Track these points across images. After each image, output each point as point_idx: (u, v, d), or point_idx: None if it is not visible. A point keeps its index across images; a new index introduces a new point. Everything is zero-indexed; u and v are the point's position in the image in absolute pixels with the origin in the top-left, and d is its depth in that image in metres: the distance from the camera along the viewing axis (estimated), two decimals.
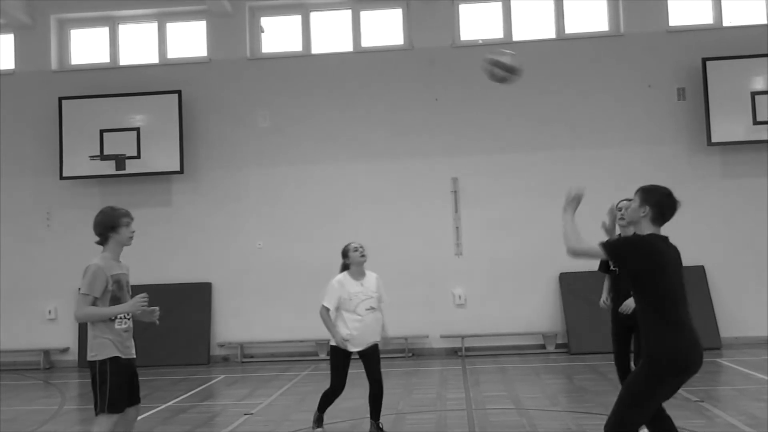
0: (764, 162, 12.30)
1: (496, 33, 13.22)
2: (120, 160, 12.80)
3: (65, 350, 12.91)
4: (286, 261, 12.73)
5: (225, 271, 13.01)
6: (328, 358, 6.94)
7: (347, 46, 13.39)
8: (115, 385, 4.84)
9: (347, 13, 13.50)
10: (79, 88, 13.24)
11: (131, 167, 12.86)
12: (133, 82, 13.26)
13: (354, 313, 6.58)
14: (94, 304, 4.88)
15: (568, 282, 12.27)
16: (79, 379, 11.41)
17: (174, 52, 13.69)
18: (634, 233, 4.39)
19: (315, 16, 13.58)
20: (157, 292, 12.52)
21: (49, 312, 12.99)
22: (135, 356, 5.10)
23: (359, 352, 6.69)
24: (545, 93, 12.79)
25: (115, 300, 4.96)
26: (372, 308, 6.67)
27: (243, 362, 12.65)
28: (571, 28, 13.14)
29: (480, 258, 12.66)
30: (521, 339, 12.45)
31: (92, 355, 4.88)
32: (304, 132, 13.10)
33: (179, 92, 12.97)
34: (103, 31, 13.84)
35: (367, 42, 13.40)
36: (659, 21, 12.80)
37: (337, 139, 13.04)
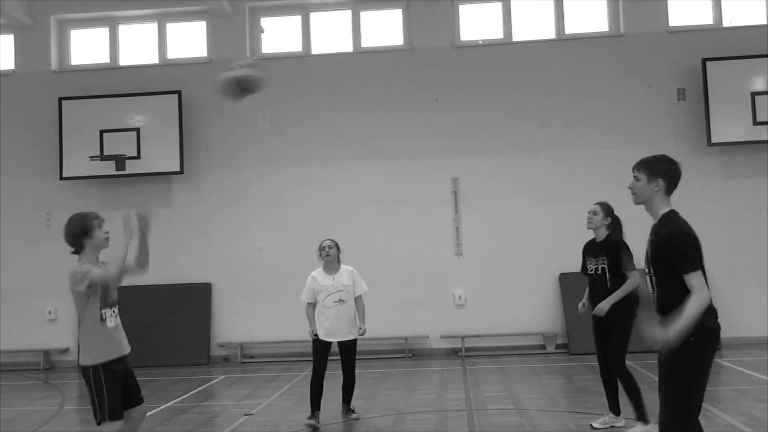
0: (764, 162, 12.30)
1: (496, 33, 13.22)
2: (120, 161, 12.79)
3: (65, 350, 12.91)
4: (286, 261, 12.71)
5: (225, 271, 13.01)
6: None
7: (347, 47, 13.39)
8: (111, 393, 4.74)
9: (347, 14, 13.50)
10: (79, 89, 13.24)
11: (131, 168, 12.86)
12: (133, 82, 13.26)
13: (323, 305, 7.31)
14: (87, 300, 4.76)
15: (568, 282, 12.26)
16: (79, 379, 11.38)
17: (174, 53, 13.69)
18: (672, 229, 4.09)
19: (315, 17, 13.58)
20: (157, 293, 12.70)
21: (49, 312, 12.99)
22: (129, 350, 4.99)
23: (339, 345, 7.40)
24: (545, 93, 12.80)
25: (104, 298, 4.83)
26: (341, 300, 7.34)
27: (243, 362, 12.65)
28: (570, 29, 13.14)
29: (480, 258, 12.66)
30: (521, 339, 12.45)
31: (84, 359, 4.79)
32: (304, 132, 13.10)
33: (179, 92, 12.97)
34: (103, 32, 13.84)
35: (367, 42, 13.40)
36: (659, 21, 12.80)
37: (337, 140, 13.04)
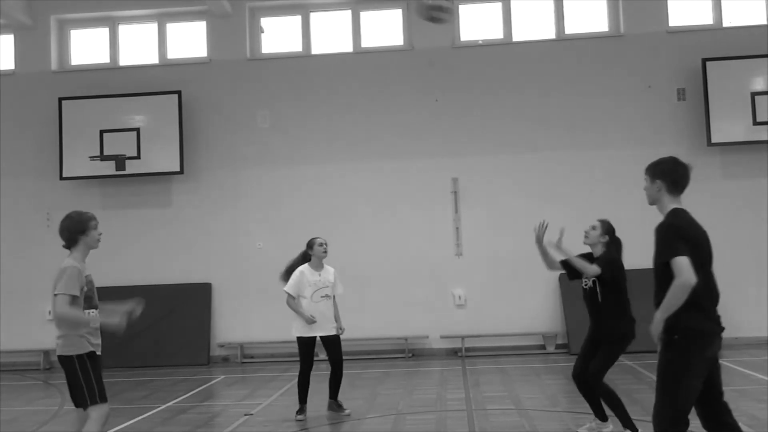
0: (764, 162, 12.30)
1: (496, 33, 13.22)
2: (120, 161, 12.79)
3: None
4: (286, 261, 12.63)
5: (225, 271, 13.00)
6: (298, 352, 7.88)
7: (347, 47, 13.39)
8: (98, 377, 5.02)
9: (347, 14, 13.51)
10: (79, 89, 13.24)
11: (131, 168, 12.86)
12: (133, 82, 13.26)
13: (310, 299, 7.69)
14: (72, 303, 4.93)
15: (568, 282, 12.17)
16: None
17: (174, 53, 13.69)
18: (659, 224, 4.18)
19: (315, 17, 13.58)
20: (157, 293, 12.69)
21: (49, 312, 12.95)
22: (101, 354, 5.19)
23: (322, 339, 7.80)
24: (545, 93, 12.80)
25: (89, 300, 5.08)
26: (326, 296, 7.77)
27: (243, 363, 12.65)
28: (570, 29, 13.14)
29: (480, 258, 12.66)
30: (521, 339, 12.45)
31: (69, 350, 4.99)
32: (304, 132, 13.10)
33: (179, 92, 12.97)
34: (103, 32, 13.84)
35: (367, 42, 13.40)
36: (659, 21, 12.80)
37: (337, 140, 13.04)
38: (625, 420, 6.14)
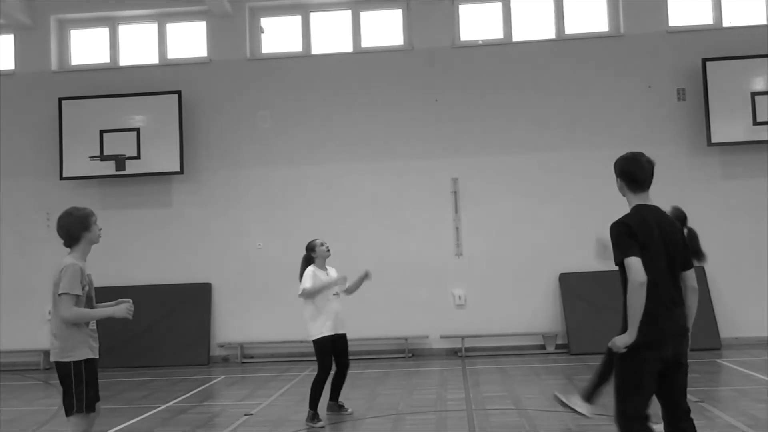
0: (764, 162, 12.30)
1: (496, 33, 13.22)
2: (120, 161, 12.79)
3: None
4: (286, 261, 12.63)
5: (225, 271, 13.00)
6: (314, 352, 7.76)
7: (347, 47, 13.39)
8: (90, 386, 4.94)
9: (347, 14, 13.50)
10: (79, 89, 13.24)
11: (131, 168, 12.86)
12: (133, 82, 13.26)
13: (326, 298, 7.59)
14: (76, 303, 4.88)
15: (568, 282, 12.27)
16: None
17: (174, 53, 13.69)
18: (615, 221, 4.23)
19: (315, 17, 13.58)
20: (157, 293, 12.70)
21: (49, 312, 12.93)
22: (98, 357, 5.13)
23: (336, 340, 7.67)
24: (545, 93, 12.80)
25: (89, 299, 5.01)
26: (337, 294, 7.72)
27: (243, 363, 12.65)
28: (570, 29, 13.14)
29: (480, 258, 12.66)
30: (521, 339, 12.45)
31: (67, 356, 4.92)
32: (304, 132, 13.10)
33: (179, 93, 12.97)
34: (103, 32, 13.84)
35: (367, 42, 13.40)
36: (659, 21, 12.80)
37: (337, 140, 13.04)
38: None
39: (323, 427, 7.30)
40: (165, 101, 12.98)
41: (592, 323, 11.37)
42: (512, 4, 13.24)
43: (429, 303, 12.56)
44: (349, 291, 8.01)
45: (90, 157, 12.77)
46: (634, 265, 3.99)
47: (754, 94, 12.13)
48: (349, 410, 7.83)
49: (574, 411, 6.38)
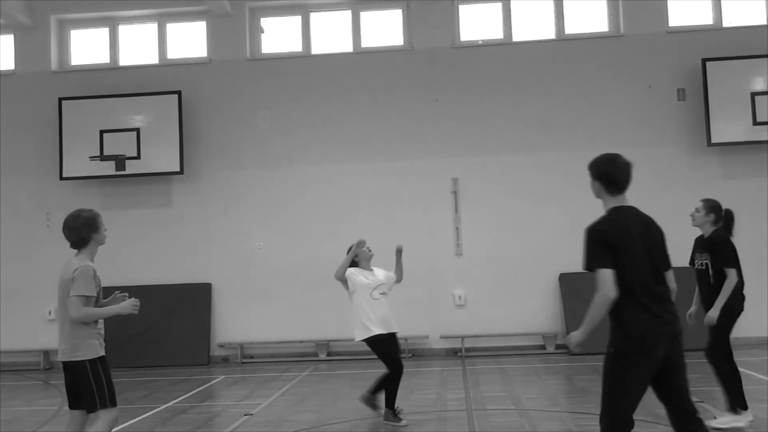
0: (764, 162, 12.31)
1: (496, 33, 13.23)
2: (120, 161, 12.79)
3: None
4: (286, 261, 12.73)
5: (225, 271, 13.00)
6: (373, 351, 7.49)
7: (347, 47, 13.39)
8: (109, 382, 5.02)
9: (347, 14, 13.50)
10: (79, 89, 13.24)
11: (131, 168, 12.86)
12: (133, 82, 13.26)
13: (370, 297, 7.37)
14: (86, 304, 4.97)
15: (568, 282, 12.26)
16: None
17: (174, 53, 13.69)
18: (590, 225, 4.16)
19: (315, 17, 13.58)
20: (157, 293, 12.69)
21: (49, 312, 12.96)
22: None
23: (390, 336, 7.40)
24: (545, 93, 12.80)
25: (97, 301, 5.10)
26: (384, 293, 7.48)
27: (243, 363, 12.65)
28: (570, 29, 13.14)
29: (480, 258, 12.66)
30: (521, 339, 12.45)
31: (81, 354, 4.99)
32: (304, 132, 13.10)
33: (179, 93, 12.97)
34: (103, 32, 13.84)
35: (367, 42, 13.40)
36: (659, 21, 12.81)
37: (337, 140, 13.04)
38: (733, 400, 6.35)
39: (406, 424, 7.11)
40: (165, 101, 12.98)
41: None
42: (512, 4, 13.24)
43: (429, 303, 12.56)
44: (398, 277, 7.85)
45: (90, 157, 12.77)
46: (606, 279, 3.94)
47: (754, 94, 12.13)
48: (404, 422, 7.25)
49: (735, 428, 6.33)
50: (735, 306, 6.49)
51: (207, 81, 13.32)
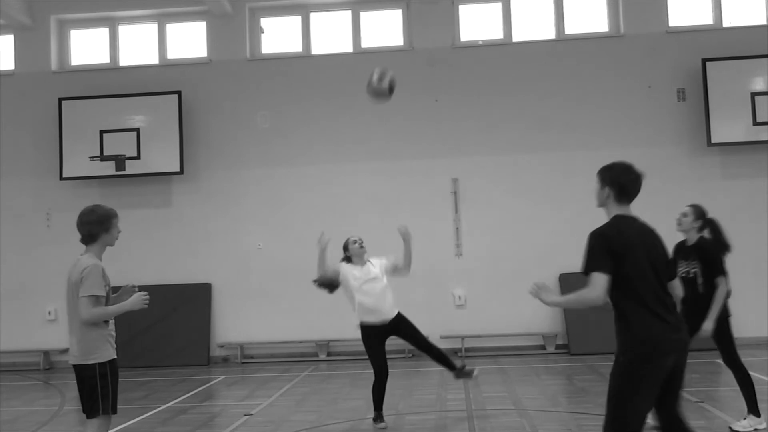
0: (764, 162, 12.31)
1: (496, 34, 13.22)
2: (120, 161, 12.79)
3: (65, 351, 12.88)
4: (286, 262, 12.71)
5: (225, 271, 13.00)
6: (362, 345, 7.42)
7: (347, 47, 13.39)
8: (114, 388, 4.90)
9: (347, 14, 13.50)
10: (79, 89, 13.24)
11: (131, 168, 12.86)
12: (133, 82, 13.26)
13: (360, 290, 7.31)
14: (96, 304, 4.79)
15: (569, 282, 12.24)
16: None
17: (174, 53, 13.69)
18: (596, 230, 4.09)
19: (315, 17, 13.58)
20: (157, 293, 12.52)
21: (49, 313, 12.99)
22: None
23: (393, 330, 7.40)
24: (545, 94, 12.80)
25: (107, 299, 4.93)
26: (374, 278, 7.39)
27: (243, 363, 12.65)
28: (570, 29, 13.13)
29: (480, 259, 12.66)
30: (521, 340, 12.45)
31: (93, 357, 4.82)
32: (304, 133, 13.10)
33: (179, 93, 12.97)
34: (103, 32, 13.84)
35: (367, 43, 13.40)
36: (659, 22, 12.81)
37: (337, 140, 13.04)
38: (752, 403, 6.27)
39: (384, 427, 7.12)
40: (165, 101, 12.97)
41: (592, 323, 11.35)
42: (512, 4, 13.24)
43: (429, 303, 12.54)
44: (404, 263, 7.71)
45: (90, 157, 12.77)
46: (600, 282, 3.91)
47: (754, 95, 12.13)
48: (475, 370, 7.66)
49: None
50: (725, 312, 6.33)
51: (207, 81, 13.32)
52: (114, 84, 13.26)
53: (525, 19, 13.25)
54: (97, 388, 4.82)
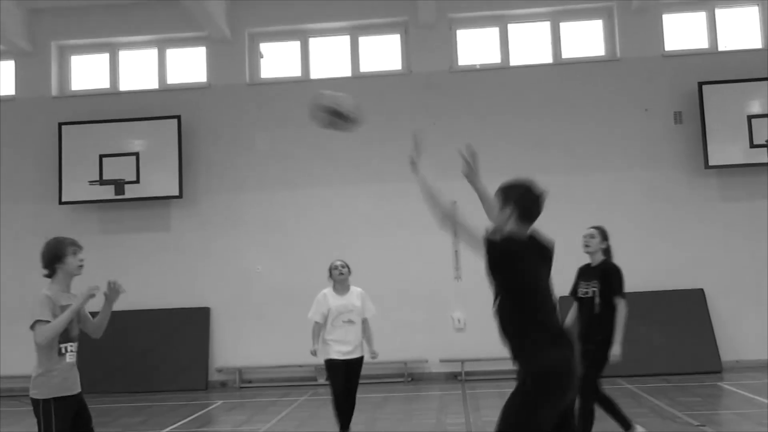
0: (762, 185, 12.34)
1: (494, 58, 13.33)
2: (119, 185, 12.82)
3: None
4: (285, 285, 12.69)
5: (224, 295, 12.97)
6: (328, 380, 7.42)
7: (346, 71, 13.48)
8: (59, 428, 4.51)
9: (346, 39, 13.61)
10: (78, 114, 13.30)
11: (130, 192, 12.89)
12: (132, 107, 13.32)
13: (331, 325, 7.31)
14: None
15: (568, 306, 12.19)
16: None
17: (174, 78, 13.78)
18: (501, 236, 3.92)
19: (314, 42, 13.69)
20: (155, 317, 12.66)
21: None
22: (79, 390, 4.72)
23: (346, 363, 7.29)
24: (542, 117, 12.86)
25: (66, 332, 4.62)
26: (350, 321, 7.34)
27: (241, 387, 12.58)
28: (567, 53, 13.24)
29: (479, 281, 12.47)
30: None
31: (36, 393, 4.54)
32: (302, 157, 13.14)
33: (179, 117, 13.03)
34: (104, 57, 13.93)
35: (365, 67, 13.49)
36: (655, 45, 12.91)
37: (336, 164, 13.07)
38: (622, 421, 6.24)
39: None
40: (164, 126, 13.03)
41: None
42: (509, 28, 13.35)
43: (428, 326, 12.52)
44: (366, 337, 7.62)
45: (89, 181, 12.80)
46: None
47: (750, 117, 12.20)
48: None
49: None
50: (611, 336, 6.31)
51: (206, 105, 13.39)
52: (114, 109, 13.32)
53: (522, 44, 13.35)
54: (40, 427, 4.52)
